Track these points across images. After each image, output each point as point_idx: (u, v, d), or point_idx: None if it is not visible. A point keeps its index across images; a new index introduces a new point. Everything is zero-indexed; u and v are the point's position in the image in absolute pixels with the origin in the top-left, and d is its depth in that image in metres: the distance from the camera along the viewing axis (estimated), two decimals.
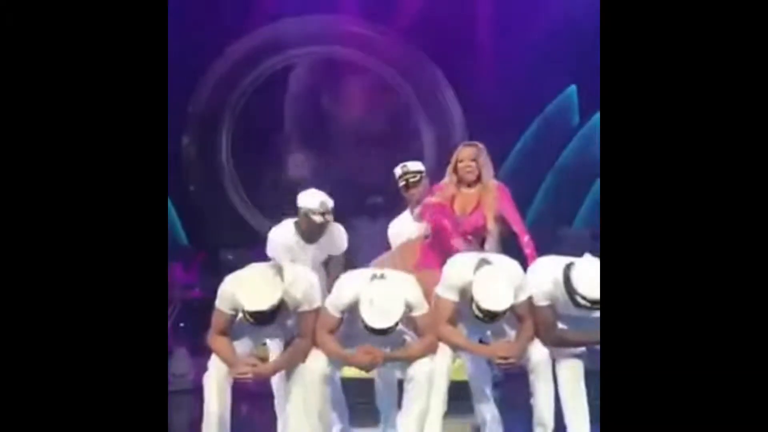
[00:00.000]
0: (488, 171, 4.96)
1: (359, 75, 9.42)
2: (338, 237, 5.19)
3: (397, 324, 4.26)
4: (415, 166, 5.20)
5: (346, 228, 5.27)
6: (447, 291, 4.44)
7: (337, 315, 4.39)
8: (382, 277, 4.39)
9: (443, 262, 4.61)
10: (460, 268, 4.44)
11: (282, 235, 5.12)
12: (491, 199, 4.91)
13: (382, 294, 4.27)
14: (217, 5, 8.96)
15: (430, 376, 4.36)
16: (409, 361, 4.40)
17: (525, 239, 4.84)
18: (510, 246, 4.93)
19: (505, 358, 4.38)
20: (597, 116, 9.33)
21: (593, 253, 4.54)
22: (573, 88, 9.45)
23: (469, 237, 4.87)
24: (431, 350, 4.41)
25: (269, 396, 4.91)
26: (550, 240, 4.78)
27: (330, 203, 5.08)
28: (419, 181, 5.13)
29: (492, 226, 4.86)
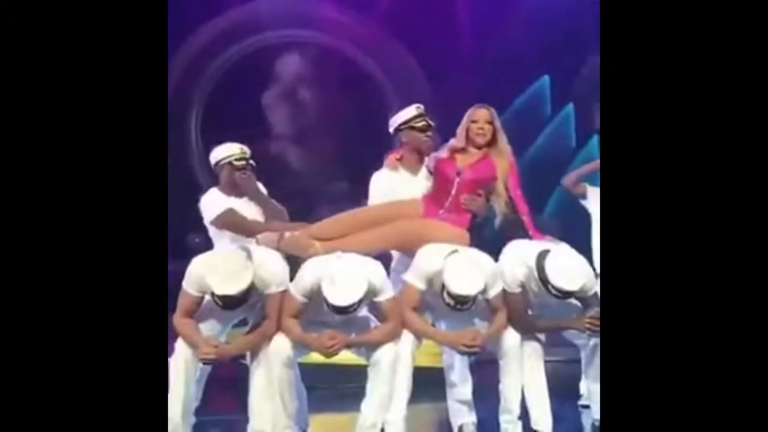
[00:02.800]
0: (503, 136, 4.64)
1: (333, 60, 9.39)
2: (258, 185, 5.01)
3: (359, 303, 4.23)
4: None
5: (312, 214, 5.21)
6: (415, 278, 4.42)
7: (301, 299, 4.36)
8: (344, 257, 4.37)
9: (447, 216, 4.53)
10: (430, 256, 4.41)
11: (215, 198, 4.93)
12: (505, 163, 4.62)
13: (343, 272, 4.24)
14: None
15: (394, 361, 4.35)
16: (372, 346, 4.38)
17: (526, 219, 4.62)
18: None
19: (470, 346, 4.37)
20: (569, 106, 9.39)
21: (562, 240, 4.56)
22: (546, 78, 9.49)
23: (479, 191, 4.57)
24: (395, 335, 4.39)
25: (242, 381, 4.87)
26: (521, 228, 4.75)
27: (246, 149, 4.96)
28: (433, 127, 4.76)
29: (501, 188, 4.57)
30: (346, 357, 4.52)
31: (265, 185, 5.08)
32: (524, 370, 4.46)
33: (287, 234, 4.54)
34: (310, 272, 4.34)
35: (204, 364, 4.39)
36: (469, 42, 9.26)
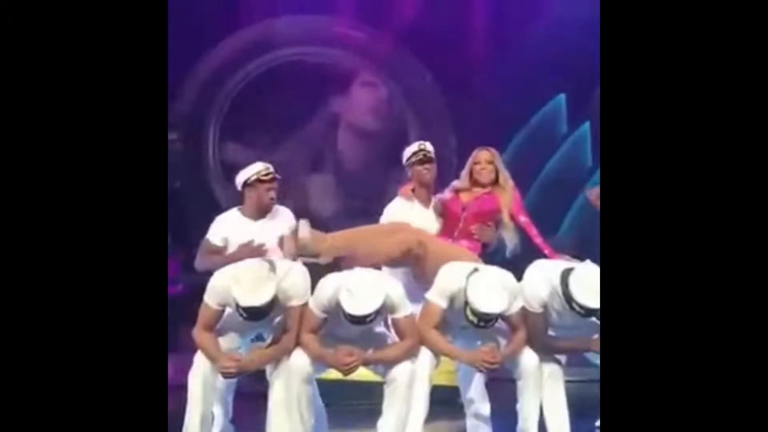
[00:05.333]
0: (505, 174, 5.00)
1: (350, 77, 9.40)
2: (285, 213, 5.03)
3: (376, 314, 4.21)
4: (431, 147, 5.14)
5: (329, 231, 5.21)
6: (438, 297, 4.41)
7: (319, 314, 4.35)
8: (362, 271, 4.37)
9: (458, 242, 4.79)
10: (453, 274, 4.41)
11: (226, 219, 4.97)
12: (508, 197, 4.95)
13: (361, 282, 4.24)
14: (208, 1, 8.92)
15: (411, 379, 4.33)
16: (390, 363, 4.36)
17: (539, 241, 4.87)
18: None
19: (490, 363, 4.35)
20: (585, 125, 9.36)
21: (578, 259, 4.54)
22: (562, 96, 9.47)
23: (489, 223, 4.92)
24: (412, 353, 4.38)
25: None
26: (533, 256, 4.76)
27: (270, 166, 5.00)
28: (432, 160, 5.07)
29: (507, 219, 4.89)
30: (362, 374, 4.51)
31: (282, 202, 5.07)
32: (544, 391, 4.43)
33: (301, 236, 4.56)
34: (329, 287, 4.33)
35: (224, 377, 4.38)
36: (485, 59, 9.26)
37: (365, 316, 4.19)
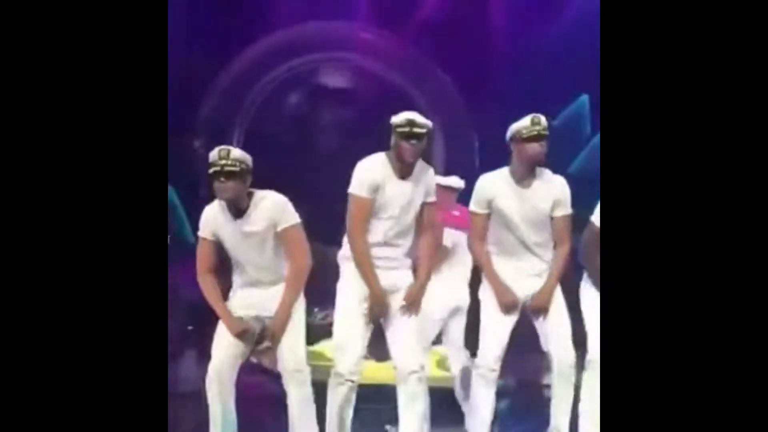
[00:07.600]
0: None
1: (371, 82, 9.44)
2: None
3: (428, 132, 4.39)
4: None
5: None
6: (477, 206, 4.67)
7: (367, 195, 4.43)
8: None
9: None
10: (483, 181, 4.68)
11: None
12: None
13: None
14: (231, 9, 8.99)
15: (423, 376, 4.35)
16: (425, 284, 4.42)
17: None
18: None
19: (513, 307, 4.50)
20: None
21: None
22: (585, 97, 9.45)
23: None
24: (437, 243, 4.65)
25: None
26: None
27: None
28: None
29: None
30: (376, 377, 4.51)
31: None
32: (582, 391, 4.42)
33: None
34: (373, 167, 4.48)
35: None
36: (508, 60, 9.26)
37: (422, 134, 4.35)
